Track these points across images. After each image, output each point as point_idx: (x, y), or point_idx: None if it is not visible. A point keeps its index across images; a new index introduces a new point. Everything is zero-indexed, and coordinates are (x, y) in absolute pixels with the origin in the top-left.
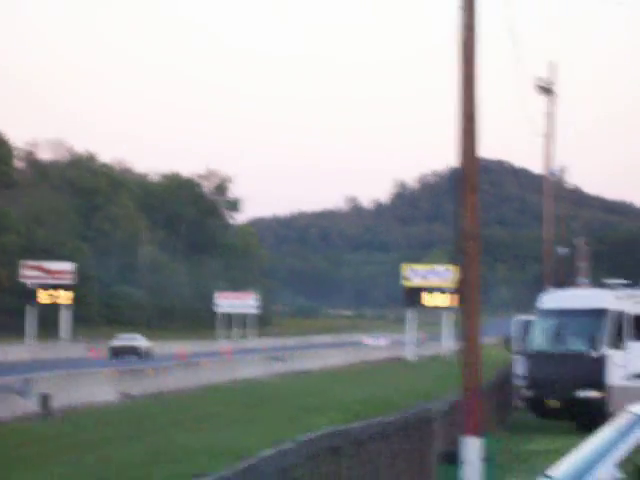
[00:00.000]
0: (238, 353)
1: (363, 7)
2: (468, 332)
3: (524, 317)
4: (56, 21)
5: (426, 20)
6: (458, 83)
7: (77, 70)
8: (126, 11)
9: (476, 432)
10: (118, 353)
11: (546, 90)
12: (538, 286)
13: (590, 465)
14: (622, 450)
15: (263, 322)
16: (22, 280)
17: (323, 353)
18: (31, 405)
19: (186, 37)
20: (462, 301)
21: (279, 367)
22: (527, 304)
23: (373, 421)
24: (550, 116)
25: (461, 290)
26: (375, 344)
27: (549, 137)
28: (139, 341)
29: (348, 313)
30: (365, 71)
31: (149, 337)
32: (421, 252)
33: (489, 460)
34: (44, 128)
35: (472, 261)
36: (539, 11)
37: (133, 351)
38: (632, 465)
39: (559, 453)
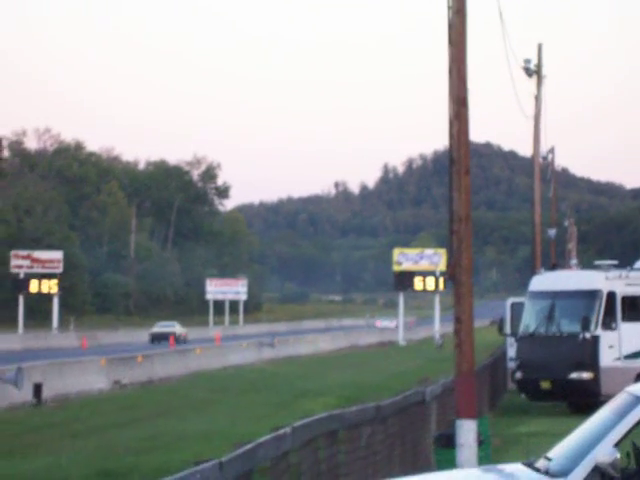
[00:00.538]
0: (228, 339)
1: None
2: (461, 315)
3: (516, 299)
4: (40, 6)
5: (415, 3)
6: (448, 67)
7: (64, 57)
8: None
9: (471, 415)
10: (157, 339)
11: (534, 72)
12: (527, 268)
13: (589, 446)
14: (620, 431)
15: (253, 308)
16: (13, 270)
17: (313, 338)
18: (24, 394)
19: (171, 21)
20: (455, 283)
21: (269, 353)
22: (516, 286)
23: (369, 405)
24: (538, 98)
25: (453, 273)
26: (387, 326)
27: (537, 119)
28: (175, 328)
29: (337, 298)
30: (353, 55)
31: (139, 325)
32: (409, 236)
33: (484, 442)
34: (31, 117)
35: (464, 243)
36: None
37: (169, 337)
38: (631, 445)
39: (550, 435)
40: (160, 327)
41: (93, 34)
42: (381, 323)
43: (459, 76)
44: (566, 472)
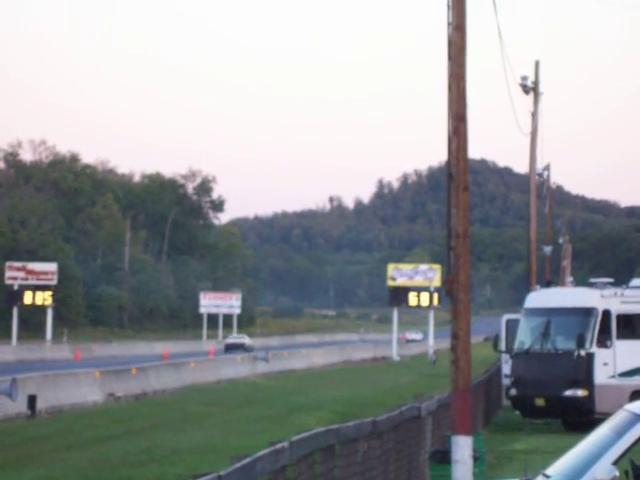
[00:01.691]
0: (222, 353)
1: (350, 4)
2: (458, 331)
3: (512, 316)
4: (36, 17)
5: (414, 19)
6: (448, 83)
7: (60, 69)
8: (104, 6)
9: (467, 431)
10: (231, 348)
11: (531, 89)
12: (521, 285)
13: (587, 463)
14: (619, 448)
15: (247, 322)
16: (8, 282)
17: (307, 353)
18: (18, 406)
19: (168, 34)
20: (452, 300)
21: (263, 367)
22: (510, 303)
23: (365, 420)
24: (535, 115)
25: (450, 289)
26: (414, 338)
27: (534, 136)
28: (245, 339)
29: (331, 313)
30: (349, 70)
31: (133, 338)
32: (403, 252)
33: (479, 459)
34: (27, 128)
35: (462, 259)
36: (525, 11)
37: (242, 347)
38: (629, 463)
39: (544, 452)
40: (233, 339)
41: (90, 46)
42: (410, 335)
43: (458, 92)
44: None
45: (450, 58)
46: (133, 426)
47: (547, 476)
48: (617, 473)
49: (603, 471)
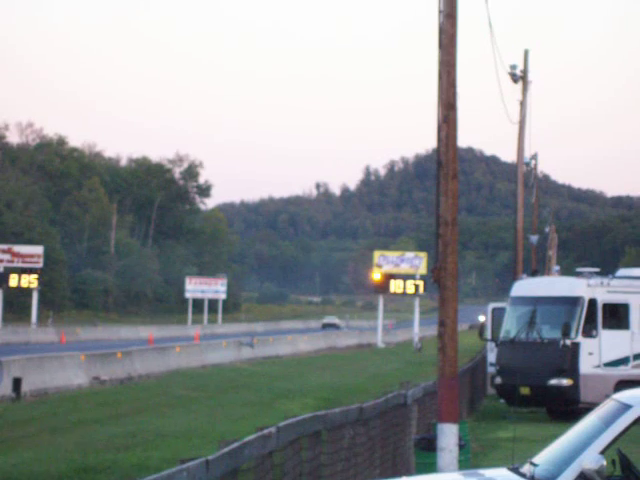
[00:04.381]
0: (207, 338)
1: None
2: (445, 318)
3: (498, 304)
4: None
5: (404, 6)
6: (438, 71)
7: (49, 51)
8: None
9: (453, 419)
10: (326, 327)
11: (519, 78)
12: (506, 274)
13: (575, 452)
14: (607, 438)
15: (232, 308)
16: None
17: (293, 339)
18: (3, 388)
19: (158, 18)
20: (440, 287)
21: (249, 352)
22: (495, 292)
23: (352, 407)
24: (523, 104)
25: (438, 276)
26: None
27: (522, 125)
28: (336, 320)
29: (316, 299)
30: (338, 56)
31: (118, 322)
32: (389, 239)
33: (464, 447)
34: (14, 111)
35: (450, 247)
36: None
37: (334, 326)
38: (617, 453)
39: (529, 441)
40: (327, 319)
41: (77, 29)
42: None
43: (449, 80)
44: (552, 478)
45: (441, 46)
46: (118, 410)
47: (534, 464)
48: (604, 462)
49: (590, 460)
